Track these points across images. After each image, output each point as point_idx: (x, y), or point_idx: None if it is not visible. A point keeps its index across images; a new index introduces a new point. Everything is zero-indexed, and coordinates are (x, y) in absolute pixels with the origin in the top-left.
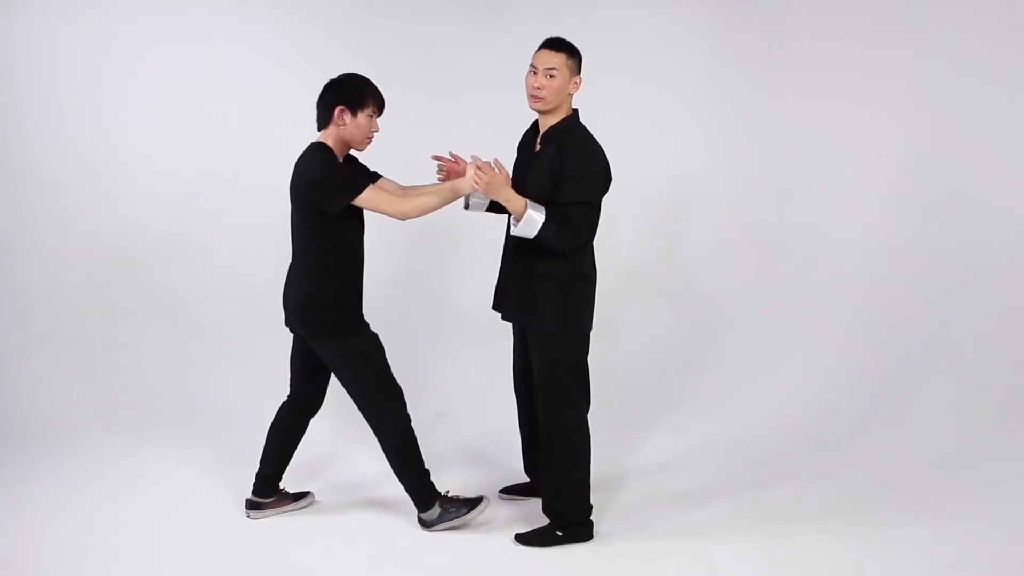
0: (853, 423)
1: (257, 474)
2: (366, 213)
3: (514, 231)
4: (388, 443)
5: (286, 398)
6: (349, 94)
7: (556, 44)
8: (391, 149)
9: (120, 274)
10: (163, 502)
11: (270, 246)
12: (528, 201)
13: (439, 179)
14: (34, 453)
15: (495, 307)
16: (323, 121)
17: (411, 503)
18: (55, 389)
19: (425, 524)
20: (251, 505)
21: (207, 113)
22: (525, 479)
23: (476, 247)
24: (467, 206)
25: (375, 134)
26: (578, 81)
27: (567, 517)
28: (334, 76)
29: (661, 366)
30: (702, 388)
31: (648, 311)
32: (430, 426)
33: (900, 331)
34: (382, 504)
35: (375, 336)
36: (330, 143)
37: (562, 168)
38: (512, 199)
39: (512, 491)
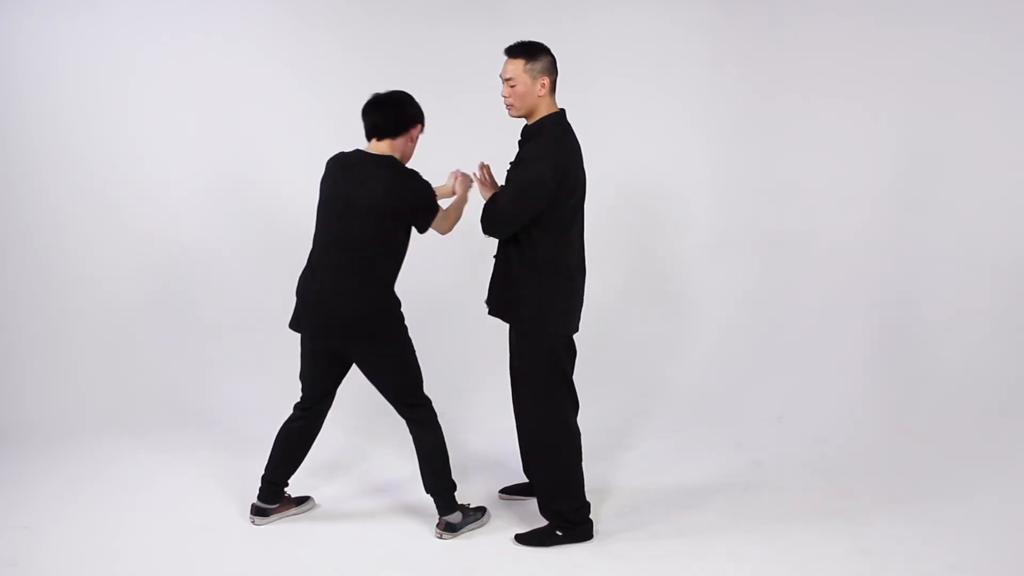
0: (853, 423)
1: (264, 480)
2: None
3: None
4: (429, 446)
5: (296, 409)
6: (420, 114)
7: (512, 51)
8: None
9: (120, 275)
10: (163, 503)
11: (271, 248)
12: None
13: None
14: (34, 453)
15: (487, 302)
16: (392, 133)
17: (411, 507)
18: (55, 390)
19: (453, 528)
20: (257, 511)
21: (207, 114)
22: (524, 479)
23: (473, 246)
24: None
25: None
26: (545, 82)
27: (566, 517)
28: (382, 91)
29: (661, 365)
30: (702, 388)
31: (647, 310)
32: None
33: (899, 330)
34: (383, 507)
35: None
36: (401, 156)
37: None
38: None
39: (511, 491)
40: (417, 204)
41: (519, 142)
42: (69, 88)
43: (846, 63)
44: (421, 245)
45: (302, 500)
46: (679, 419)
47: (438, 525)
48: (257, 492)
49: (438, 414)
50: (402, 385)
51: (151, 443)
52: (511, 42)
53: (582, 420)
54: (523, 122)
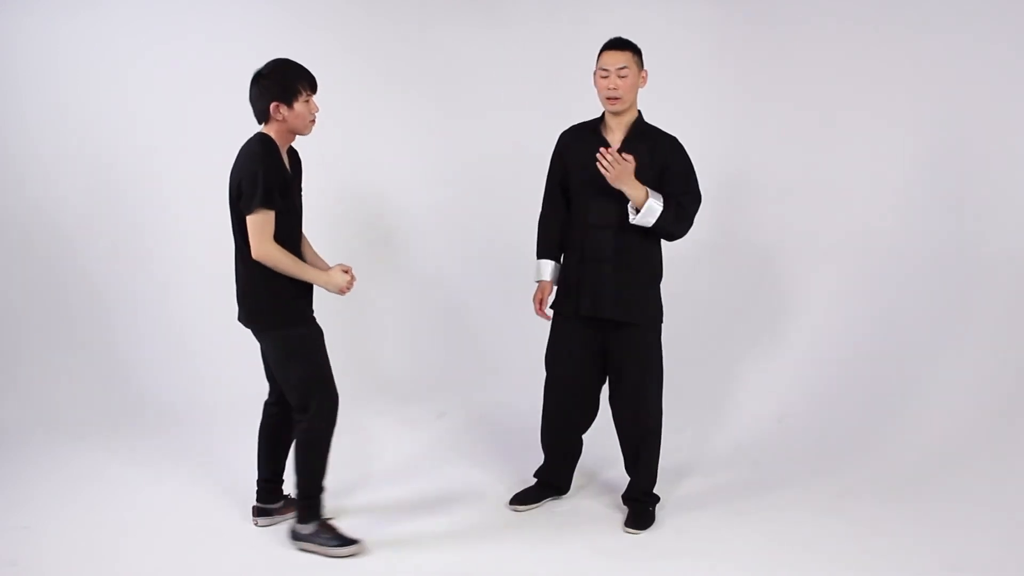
0: (853, 423)
1: (258, 481)
2: (311, 203)
3: (634, 220)
4: (300, 443)
5: (265, 406)
6: (278, 89)
7: (622, 44)
8: (388, 148)
9: (119, 273)
10: (163, 502)
11: None
12: (648, 189)
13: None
14: (34, 453)
15: (583, 310)
16: (261, 117)
17: (410, 505)
18: (55, 390)
19: (295, 536)
20: (259, 512)
21: (208, 113)
22: (524, 481)
23: (483, 247)
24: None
25: (317, 113)
26: (645, 75)
27: (652, 492)
28: (260, 67)
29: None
30: (702, 388)
31: None
32: (430, 426)
33: (900, 331)
34: (383, 507)
35: (317, 334)
36: (272, 135)
37: (670, 164)
38: (637, 188)
39: (524, 500)
40: (244, 178)
41: (622, 139)
42: (69, 88)
43: (847, 63)
44: (420, 248)
45: None
46: (679, 419)
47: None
48: (256, 494)
49: (440, 414)
50: (286, 381)
51: (151, 443)
52: (512, 42)
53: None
54: (522, 122)
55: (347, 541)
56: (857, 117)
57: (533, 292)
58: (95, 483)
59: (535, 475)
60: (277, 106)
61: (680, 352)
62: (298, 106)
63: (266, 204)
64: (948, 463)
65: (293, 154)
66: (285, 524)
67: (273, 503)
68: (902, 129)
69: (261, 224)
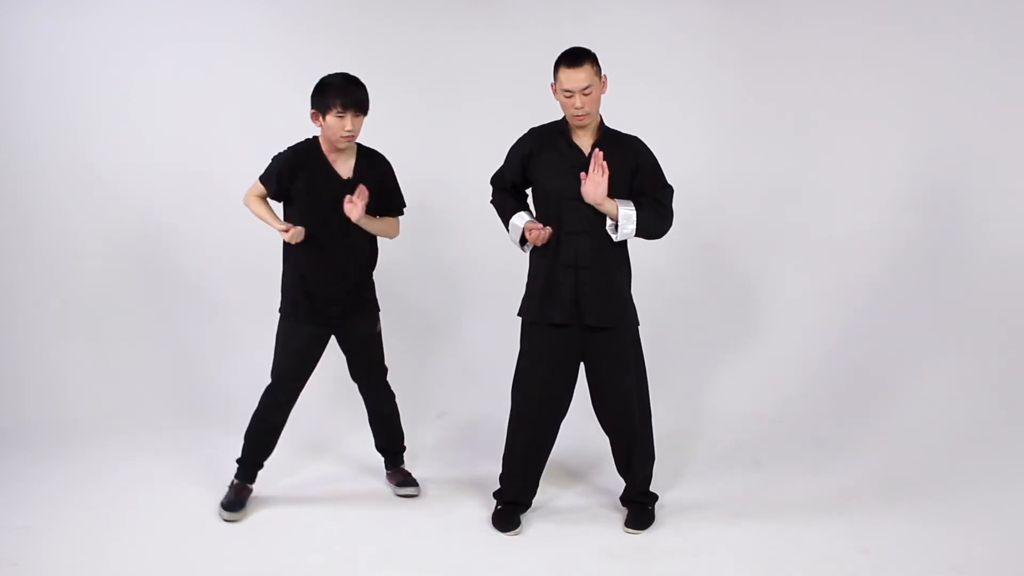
0: (853, 422)
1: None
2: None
3: (618, 236)
4: (254, 413)
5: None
6: (315, 98)
7: (579, 58)
8: (384, 149)
9: (120, 271)
10: (163, 503)
11: (275, 248)
12: (615, 202)
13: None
14: (34, 453)
15: (559, 317)
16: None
17: (410, 501)
18: (55, 390)
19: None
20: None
21: (206, 112)
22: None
23: (481, 247)
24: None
25: (350, 133)
26: (605, 80)
27: (650, 492)
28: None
29: (660, 366)
30: (702, 388)
31: (646, 311)
32: (431, 425)
33: (901, 331)
34: (381, 504)
35: (305, 335)
36: (321, 139)
37: (640, 164)
38: (609, 202)
39: (511, 525)
40: None
41: (592, 146)
42: (70, 88)
43: (847, 63)
44: (426, 247)
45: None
46: (679, 418)
47: None
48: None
49: (441, 414)
50: None
51: (151, 443)
52: (511, 42)
53: (585, 423)
54: (519, 120)
55: (232, 507)
56: (856, 118)
57: (519, 237)
58: (95, 483)
59: (503, 500)
60: (315, 113)
61: (679, 352)
62: (329, 118)
63: (262, 178)
64: (948, 463)
65: (364, 163)
66: (280, 516)
67: (390, 467)
68: (902, 128)
69: (253, 184)
